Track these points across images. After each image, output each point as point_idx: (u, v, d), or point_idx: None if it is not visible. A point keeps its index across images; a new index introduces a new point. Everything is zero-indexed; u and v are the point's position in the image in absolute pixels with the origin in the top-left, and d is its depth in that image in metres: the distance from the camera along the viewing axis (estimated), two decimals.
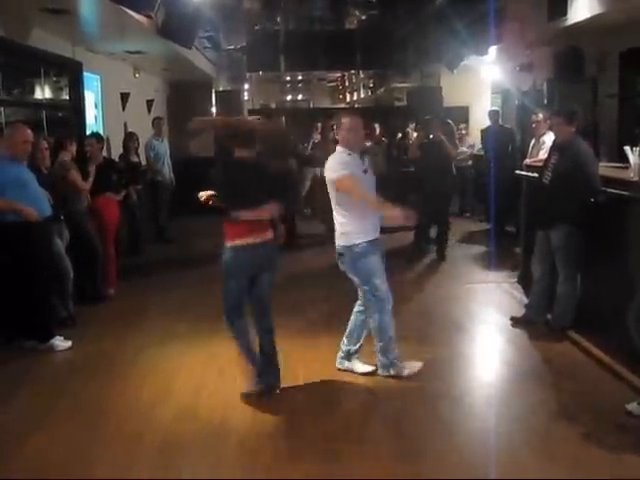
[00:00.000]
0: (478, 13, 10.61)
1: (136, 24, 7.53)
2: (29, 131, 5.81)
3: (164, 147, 10.94)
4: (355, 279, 5.01)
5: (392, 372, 5.08)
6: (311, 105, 29.87)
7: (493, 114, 11.11)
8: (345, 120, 4.92)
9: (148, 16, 6.41)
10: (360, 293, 5.10)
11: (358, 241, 4.87)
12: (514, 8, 9.98)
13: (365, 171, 4.94)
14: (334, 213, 4.99)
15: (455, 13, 11.28)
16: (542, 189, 6.03)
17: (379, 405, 4.76)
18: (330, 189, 4.92)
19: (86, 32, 8.31)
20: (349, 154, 4.87)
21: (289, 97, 31.83)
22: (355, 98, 26.43)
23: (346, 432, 4.27)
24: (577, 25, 8.05)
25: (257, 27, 14.83)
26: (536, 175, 6.46)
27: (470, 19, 10.82)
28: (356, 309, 5.24)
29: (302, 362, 5.40)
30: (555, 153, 5.96)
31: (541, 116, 8.14)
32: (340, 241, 4.94)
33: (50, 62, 8.78)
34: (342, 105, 27.98)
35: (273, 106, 27.93)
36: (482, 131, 11.43)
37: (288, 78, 28.27)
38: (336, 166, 4.83)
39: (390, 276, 8.49)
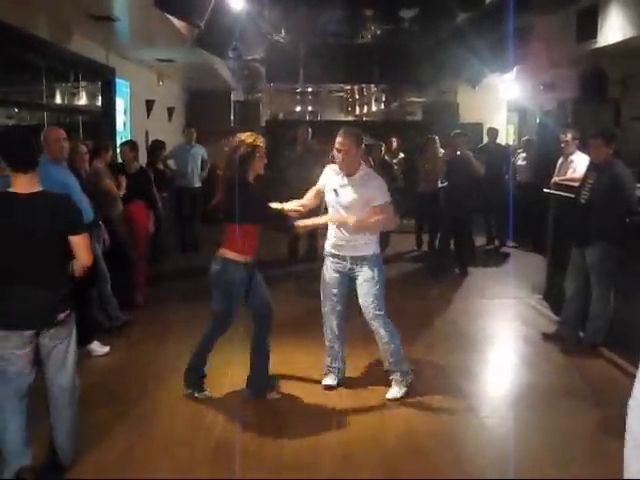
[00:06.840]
0: (502, 32, 10.67)
1: (175, 33, 7.62)
2: (61, 130, 5.82)
3: (192, 154, 10.69)
4: None
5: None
6: (319, 117, 29.79)
7: (492, 132, 11.37)
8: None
9: (197, 25, 6.50)
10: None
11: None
12: (541, 28, 10.06)
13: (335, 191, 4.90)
14: None
15: (477, 31, 11.33)
16: (578, 208, 6.12)
17: (392, 418, 4.74)
18: None
19: (123, 39, 8.40)
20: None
21: (298, 108, 31.83)
22: (365, 111, 26.34)
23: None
24: (606, 47, 8.14)
25: (276, 38, 14.92)
26: (565, 194, 6.61)
27: (494, 37, 10.88)
28: None
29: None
30: (593, 173, 6.05)
31: (570, 136, 8.20)
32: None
33: (86, 67, 8.86)
34: (350, 118, 27.93)
35: (281, 117, 27.96)
36: (479, 148, 11.26)
37: (298, 89, 28.32)
38: None
39: (416, 291, 8.64)
